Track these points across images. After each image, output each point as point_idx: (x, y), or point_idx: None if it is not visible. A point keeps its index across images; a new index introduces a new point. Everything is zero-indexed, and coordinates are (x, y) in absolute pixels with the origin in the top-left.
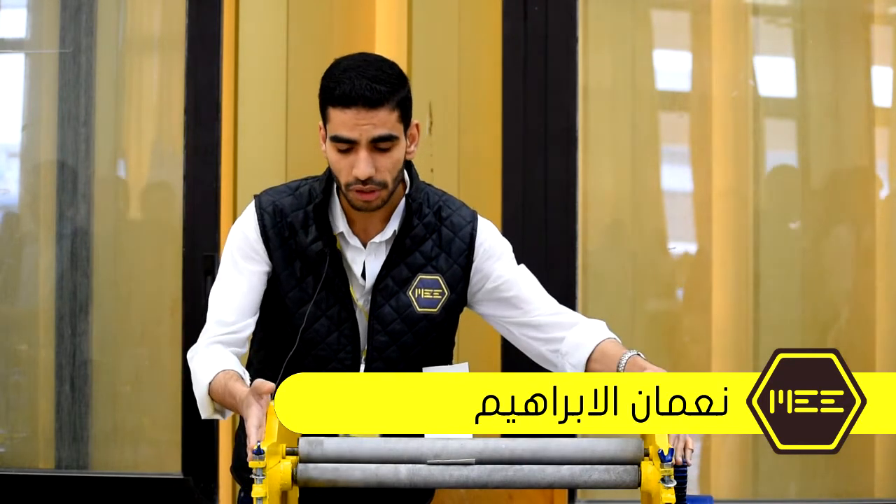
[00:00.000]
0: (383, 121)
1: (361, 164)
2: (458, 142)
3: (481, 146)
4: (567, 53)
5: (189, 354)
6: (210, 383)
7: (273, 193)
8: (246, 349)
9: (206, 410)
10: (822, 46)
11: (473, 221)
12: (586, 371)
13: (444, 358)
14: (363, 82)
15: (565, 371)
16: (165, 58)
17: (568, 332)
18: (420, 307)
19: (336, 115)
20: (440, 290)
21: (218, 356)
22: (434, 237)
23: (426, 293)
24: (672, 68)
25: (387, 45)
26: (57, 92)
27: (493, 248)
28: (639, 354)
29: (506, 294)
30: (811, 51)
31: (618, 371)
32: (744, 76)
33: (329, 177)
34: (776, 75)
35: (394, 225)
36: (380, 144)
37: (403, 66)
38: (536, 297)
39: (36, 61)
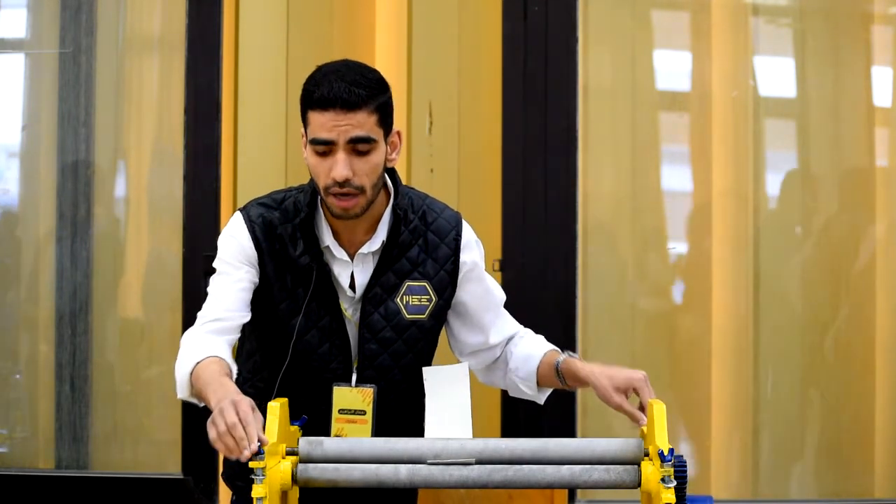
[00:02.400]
0: (361, 122)
1: (339, 166)
2: (458, 142)
3: (481, 146)
4: (567, 53)
5: (182, 339)
6: (197, 364)
7: (259, 207)
8: (238, 335)
9: (184, 391)
10: (822, 46)
11: (458, 226)
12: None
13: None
14: (342, 85)
15: (516, 385)
16: (165, 58)
17: (514, 348)
18: (409, 314)
19: (315, 117)
20: (428, 297)
21: (211, 343)
22: (420, 243)
23: (414, 300)
24: (672, 68)
25: (387, 45)
26: (57, 92)
27: (472, 261)
28: (571, 355)
29: (465, 312)
30: (811, 51)
31: (556, 373)
32: (744, 76)
33: (313, 189)
34: (776, 75)
35: (381, 235)
36: (358, 147)
37: (403, 66)
38: (499, 329)
39: (36, 61)
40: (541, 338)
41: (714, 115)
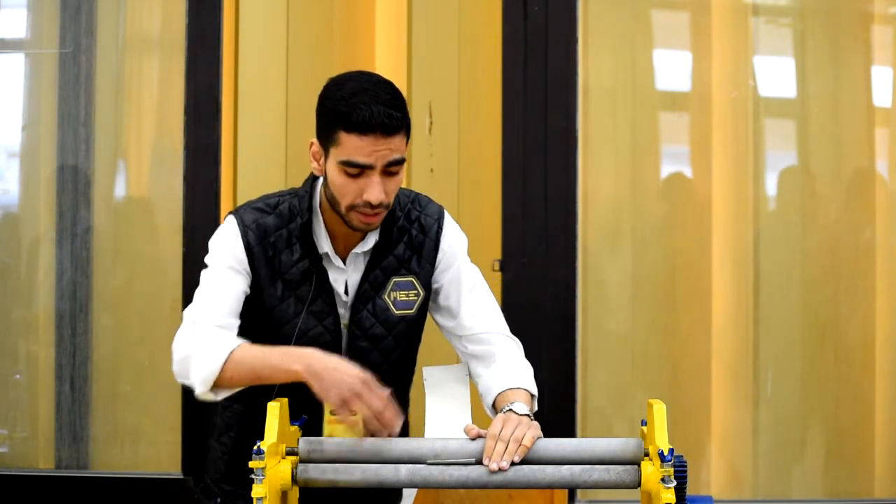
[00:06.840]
0: (398, 146)
1: (375, 189)
2: (458, 142)
3: (481, 146)
4: (567, 53)
5: (182, 338)
6: (232, 351)
7: (253, 211)
8: None
9: (205, 385)
10: (822, 46)
11: (440, 220)
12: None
13: (414, 359)
14: (380, 108)
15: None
16: (165, 58)
17: (486, 371)
18: (397, 310)
19: (350, 140)
20: (415, 292)
21: (232, 337)
22: (406, 239)
23: (402, 295)
24: (672, 68)
25: (387, 45)
26: (57, 92)
27: (451, 251)
28: (512, 409)
29: (444, 301)
30: (811, 51)
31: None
32: (744, 76)
33: (310, 195)
34: (776, 75)
35: (374, 235)
36: (391, 168)
37: (403, 66)
38: (470, 312)
39: (36, 61)
40: (508, 365)
41: (714, 115)
